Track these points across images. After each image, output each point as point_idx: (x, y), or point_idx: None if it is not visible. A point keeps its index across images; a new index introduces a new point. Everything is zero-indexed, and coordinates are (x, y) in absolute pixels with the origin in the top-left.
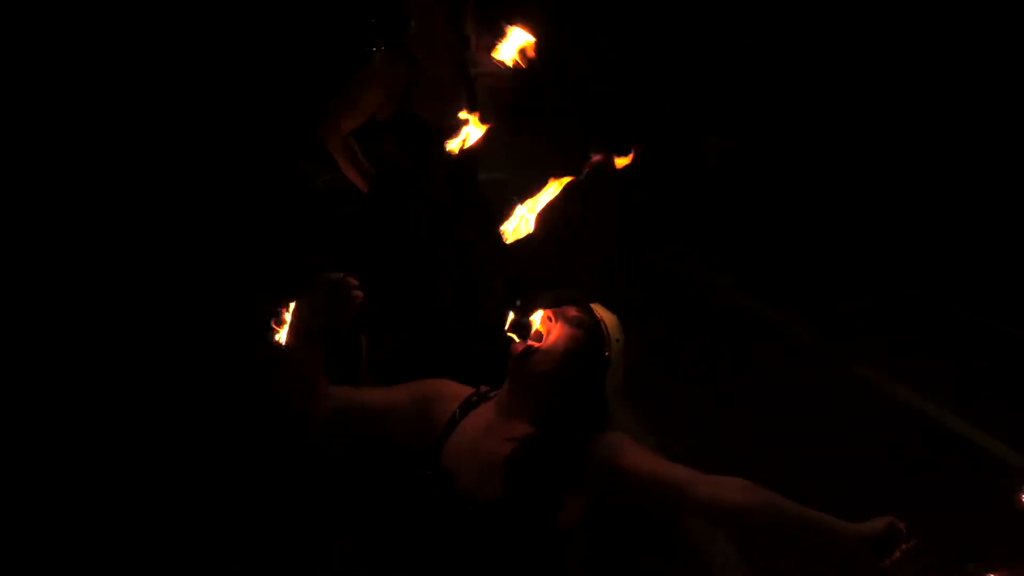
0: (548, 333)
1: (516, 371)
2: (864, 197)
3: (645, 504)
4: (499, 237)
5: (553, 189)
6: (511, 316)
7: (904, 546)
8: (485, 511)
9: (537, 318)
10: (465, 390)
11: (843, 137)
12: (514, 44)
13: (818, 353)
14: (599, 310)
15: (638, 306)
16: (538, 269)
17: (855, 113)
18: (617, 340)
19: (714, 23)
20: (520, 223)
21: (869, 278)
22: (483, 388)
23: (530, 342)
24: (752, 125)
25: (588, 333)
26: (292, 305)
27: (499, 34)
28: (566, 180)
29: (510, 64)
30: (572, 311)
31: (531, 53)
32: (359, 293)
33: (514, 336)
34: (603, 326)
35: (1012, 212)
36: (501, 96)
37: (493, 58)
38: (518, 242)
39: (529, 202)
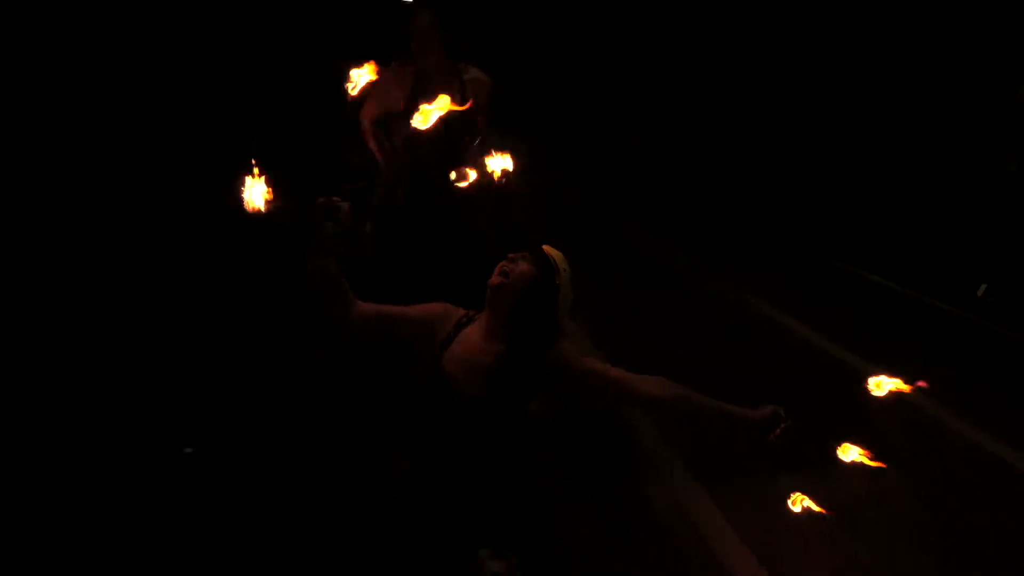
0: (512, 271)
1: (492, 300)
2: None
3: (591, 396)
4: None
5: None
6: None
7: (783, 425)
8: (473, 404)
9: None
10: (458, 311)
11: (730, 127)
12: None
13: (719, 292)
14: (549, 250)
15: (586, 255)
16: (512, 219)
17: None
18: (564, 271)
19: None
20: (498, 162)
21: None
22: (471, 312)
23: (499, 278)
24: (663, 123)
25: (541, 269)
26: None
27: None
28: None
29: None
30: (528, 254)
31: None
32: (345, 205)
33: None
34: (552, 262)
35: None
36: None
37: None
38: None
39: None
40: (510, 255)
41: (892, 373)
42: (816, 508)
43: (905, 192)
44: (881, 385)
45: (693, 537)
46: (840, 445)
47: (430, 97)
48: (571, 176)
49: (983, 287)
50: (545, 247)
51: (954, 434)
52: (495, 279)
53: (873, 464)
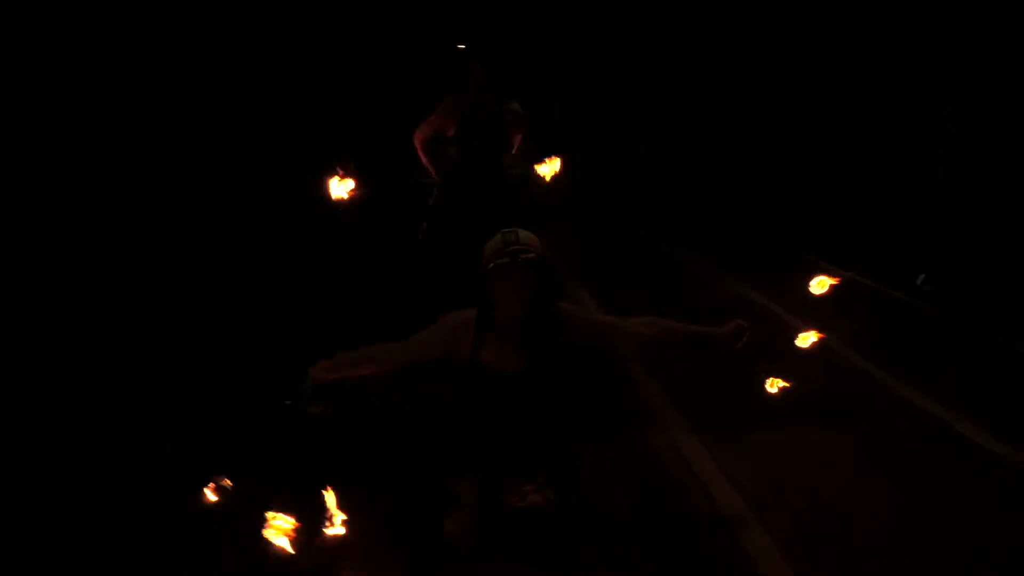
0: (527, 262)
1: (516, 287)
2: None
3: (597, 341)
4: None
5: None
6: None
7: (747, 335)
8: (517, 377)
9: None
10: (470, 313)
11: (730, 136)
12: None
13: (708, 277)
14: (528, 238)
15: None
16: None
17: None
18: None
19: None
20: (547, 167)
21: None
22: (475, 311)
23: (519, 272)
24: (667, 140)
25: (538, 255)
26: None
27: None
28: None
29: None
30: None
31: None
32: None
33: None
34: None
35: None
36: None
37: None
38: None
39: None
40: (509, 251)
41: (809, 328)
42: (785, 384)
43: (867, 196)
44: (805, 339)
45: (688, 478)
46: (799, 335)
47: (477, 126)
48: (587, 183)
49: (922, 277)
50: (522, 235)
51: (899, 398)
52: (514, 274)
53: (821, 336)
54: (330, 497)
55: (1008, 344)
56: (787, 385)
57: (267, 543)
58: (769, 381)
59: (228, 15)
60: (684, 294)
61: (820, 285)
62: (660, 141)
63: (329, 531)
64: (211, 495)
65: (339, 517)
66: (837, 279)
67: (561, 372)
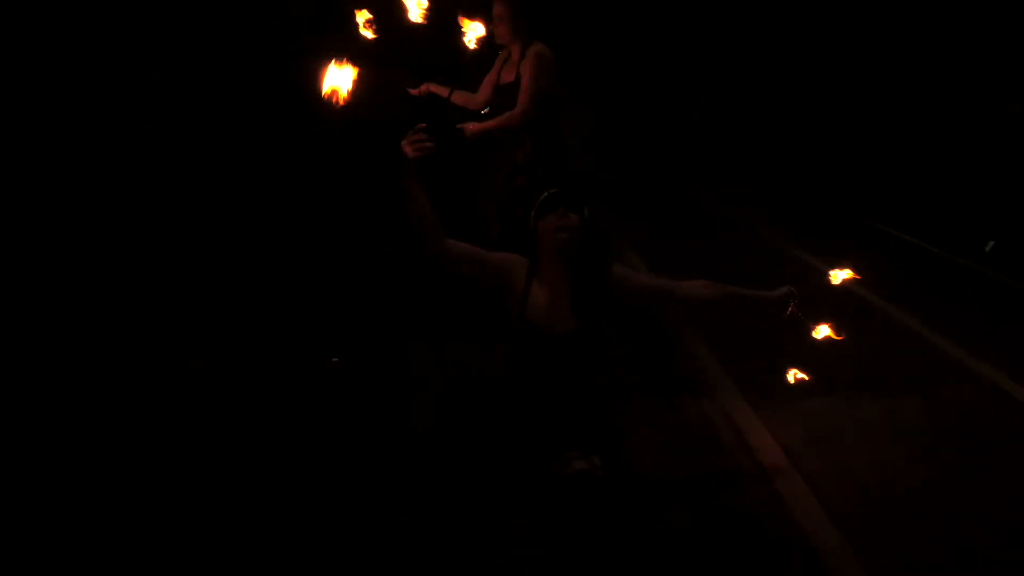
0: (568, 224)
1: (560, 253)
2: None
3: (651, 302)
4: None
5: None
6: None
7: (795, 302)
8: (564, 340)
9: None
10: (525, 262)
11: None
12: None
13: (753, 231)
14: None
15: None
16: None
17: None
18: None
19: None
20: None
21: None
22: (534, 262)
23: (564, 234)
24: (718, 98)
25: (583, 215)
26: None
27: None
28: None
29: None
30: (563, 207)
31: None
32: (429, 144)
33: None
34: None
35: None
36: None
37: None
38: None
39: None
40: (557, 211)
41: (843, 266)
42: (805, 376)
43: (928, 162)
44: (836, 276)
45: (739, 445)
46: (831, 273)
47: (503, 72)
48: (632, 138)
49: (991, 243)
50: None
51: (958, 365)
52: (560, 236)
53: (856, 277)
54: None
55: None
56: (807, 377)
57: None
58: (791, 373)
59: None
60: (735, 252)
61: (835, 278)
62: (712, 98)
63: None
64: None
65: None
66: (853, 273)
67: (608, 336)
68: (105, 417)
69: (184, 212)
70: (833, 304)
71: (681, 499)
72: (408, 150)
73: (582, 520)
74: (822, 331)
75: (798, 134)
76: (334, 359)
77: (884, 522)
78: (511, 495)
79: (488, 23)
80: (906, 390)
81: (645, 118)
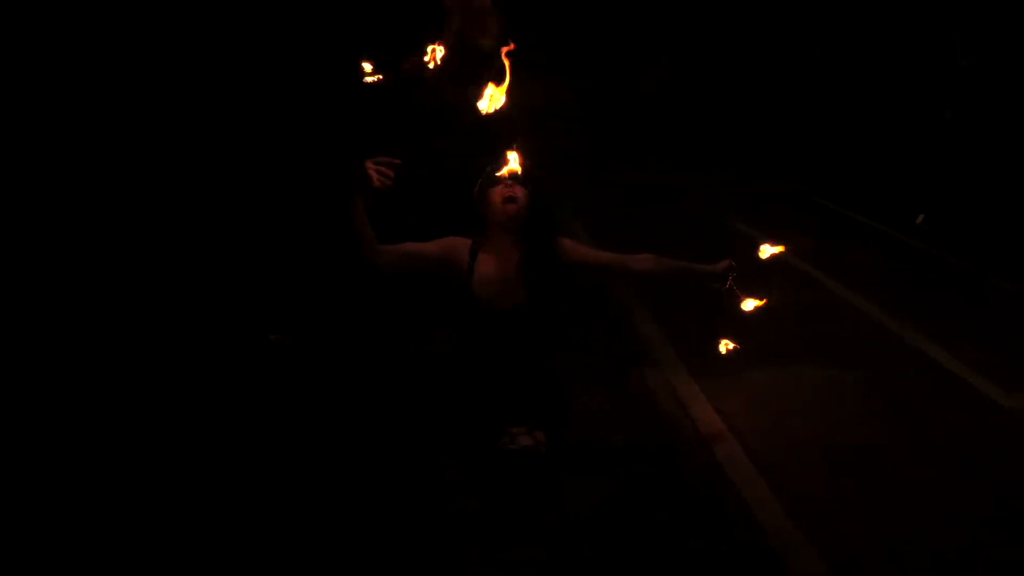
0: (516, 195)
1: (507, 224)
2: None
3: (596, 275)
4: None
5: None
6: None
7: (735, 275)
8: (512, 313)
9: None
10: (466, 241)
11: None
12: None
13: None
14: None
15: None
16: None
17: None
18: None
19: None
20: (491, 100)
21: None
22: (475, 239)
23: (512, 206)
24: (671, 67)
25: (533, 186)
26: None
27: None
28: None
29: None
30: (510, 177)
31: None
32: (382, 175)
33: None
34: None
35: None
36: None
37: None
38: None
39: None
40: (504, 182)
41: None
42: (736, 345)
43: (871, 137)
44: (765, 251)
45: (682, 415)
46: (760, 247)
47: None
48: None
49: (921, 216)
50: (514, 156)
51: (892, 335)
52: (508, 207)
53: (781, 249)
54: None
55: (1009, 287)
56: (737, 347)
57: None
58: (722, 343)
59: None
60: (681, 227)
61: (763, 253)
62: (664, 75)
63: None
64: None
65: None
66: (782, 248)
67: (558, 309)
68: (106, 418)
69: (186, 212)
70: (777, 278)
71: (623, 470)
72: (372, 173)
73: (525, 496)
74: (749, 304)
75: (747, 108)
76: (273, 336)
77: (816, 480)
78: (456, 471)
79: None
80: (843, 360)
81: (594, 91)
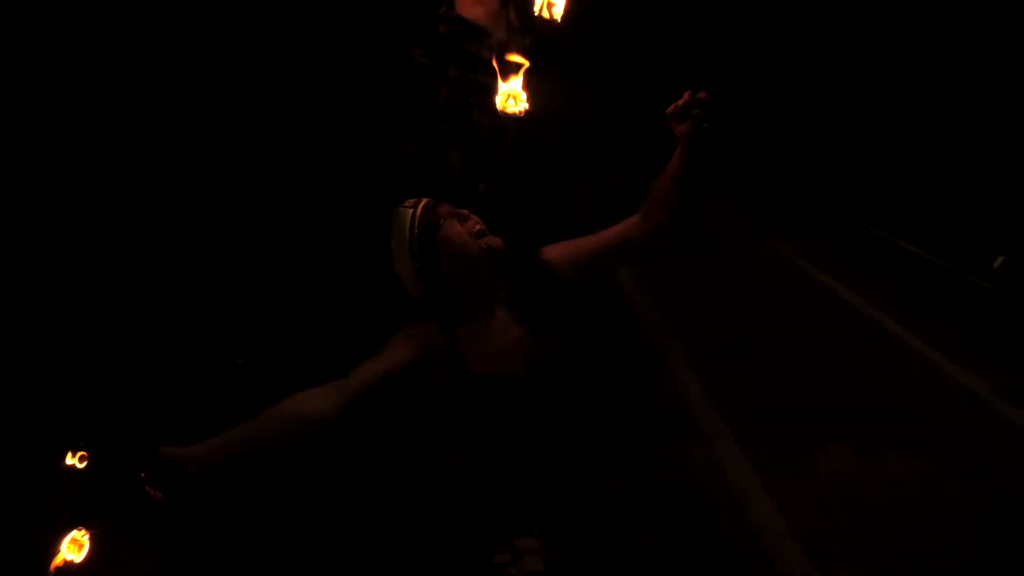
0: (480, 227)
1: (496, 257)
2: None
3: (589, 264)
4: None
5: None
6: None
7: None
8: (537, 374)
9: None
10: (429, 328)
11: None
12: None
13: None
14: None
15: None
16: None
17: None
18: None
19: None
20: (508, 99)
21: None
22: (435, 322)
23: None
24: (709, 79)
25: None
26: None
27: None
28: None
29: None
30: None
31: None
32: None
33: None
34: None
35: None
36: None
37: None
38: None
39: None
40: (454, 217)
41: None
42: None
43: (937, 169)
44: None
45: (733, 509)
46: None
47: None
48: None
49: (1000, 259)
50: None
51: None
52: (486, 243)
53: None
54: None
55: None
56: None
57: None
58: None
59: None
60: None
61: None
62: (701, 80)
63: None
64: None
65: None
66: None
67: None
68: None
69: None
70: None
71: None
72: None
73: None
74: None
75: (796, 125)
76: (239, 361)
77: None
78: None
79: None
80: (932, 441)
81: (627, 95)
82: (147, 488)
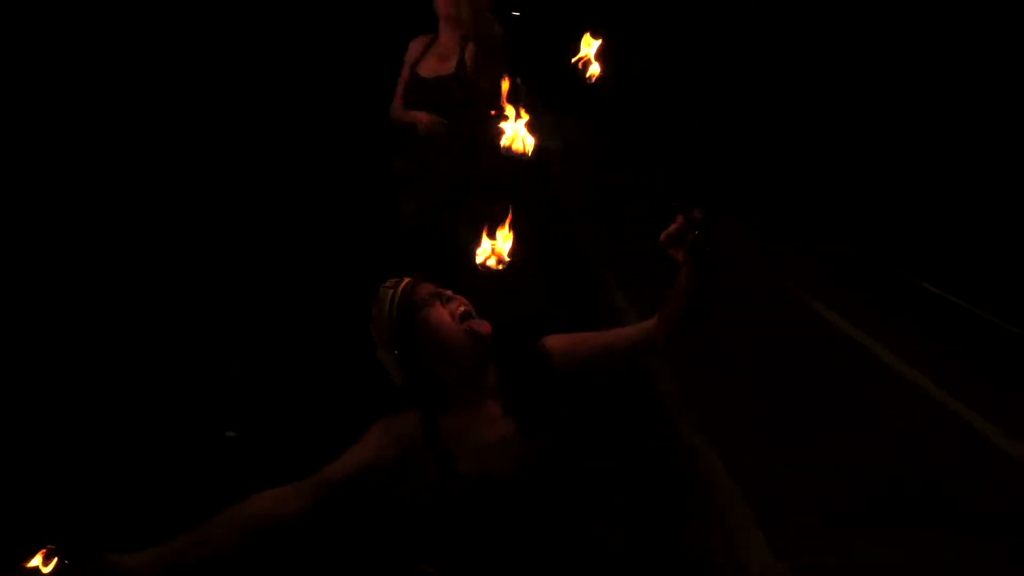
0: (465, 308)
1: (485, 342)
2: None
3: (586, 362)
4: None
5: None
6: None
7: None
8: (523, 474)
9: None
10: (396, 417)
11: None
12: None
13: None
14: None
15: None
16: None
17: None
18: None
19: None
20: (517, 139)
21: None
22: (417, 413)
23: (482, 328)
24: (727, 112)
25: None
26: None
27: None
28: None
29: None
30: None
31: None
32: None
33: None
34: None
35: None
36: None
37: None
38: None
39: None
40: (437, 297)
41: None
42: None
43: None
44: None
45: None
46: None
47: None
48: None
49: None
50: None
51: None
52: (473, 328)
53: None
54: None
55: None
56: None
57: None
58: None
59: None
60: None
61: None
62: (718, 116)
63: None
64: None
65: None
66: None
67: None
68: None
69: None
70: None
71: None
72: None
73: None
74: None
75: (826, 155)
76: (230, 433)
77: None
78: None
79: None
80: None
81: (641, 134)
82: None
